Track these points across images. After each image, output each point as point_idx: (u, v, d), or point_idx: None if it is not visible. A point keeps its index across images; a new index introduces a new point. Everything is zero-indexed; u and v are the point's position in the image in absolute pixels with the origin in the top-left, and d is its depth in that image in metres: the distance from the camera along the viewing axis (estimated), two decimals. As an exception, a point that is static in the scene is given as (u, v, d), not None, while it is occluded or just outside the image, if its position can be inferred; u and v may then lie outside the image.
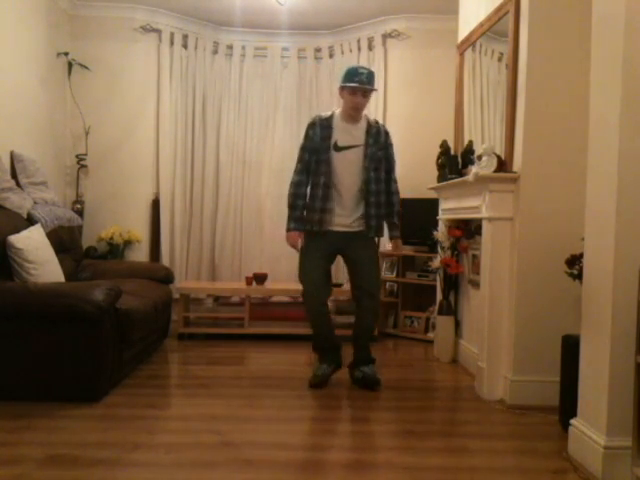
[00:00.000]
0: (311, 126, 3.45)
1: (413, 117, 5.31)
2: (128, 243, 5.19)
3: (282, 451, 2.48)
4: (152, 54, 5.45)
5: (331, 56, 5.80)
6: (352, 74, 3.35)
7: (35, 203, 3.99)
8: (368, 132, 3.42)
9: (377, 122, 3.54)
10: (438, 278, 4.33)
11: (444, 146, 4.16)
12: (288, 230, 3.45)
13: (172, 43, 5.53)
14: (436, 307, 4.36)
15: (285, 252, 5.09)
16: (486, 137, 3.88)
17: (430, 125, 5.06)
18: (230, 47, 5.76)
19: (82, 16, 5.25)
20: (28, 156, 4.22)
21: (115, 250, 5.11)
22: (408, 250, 4.85)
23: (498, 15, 3.51)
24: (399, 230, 3.60)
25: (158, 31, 5.44)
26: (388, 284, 5.11)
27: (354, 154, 3.39)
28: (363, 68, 3.44)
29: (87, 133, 5.22)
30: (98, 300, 3.00)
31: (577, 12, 3.05)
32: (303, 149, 3.47)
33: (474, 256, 3.89)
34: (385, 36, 5.46)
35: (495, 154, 3.32)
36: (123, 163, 5.35)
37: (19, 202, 3.78)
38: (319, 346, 3.54)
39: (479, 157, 3.45)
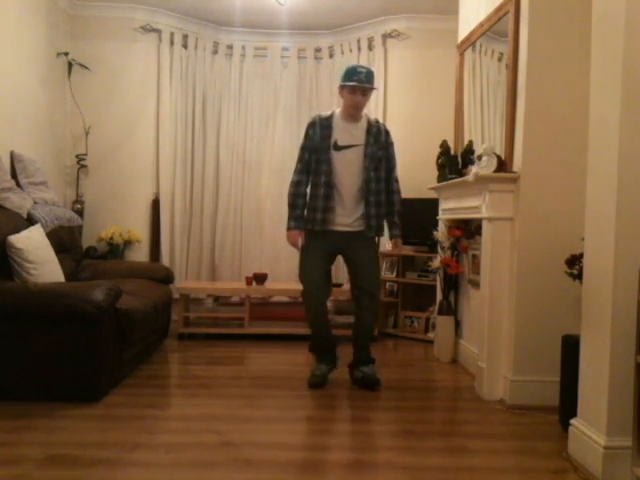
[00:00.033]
0: (311, 126, 3.45)
1: (413, 117, 5.31)
2: (128, 243, 5.19)
3: (282, 451, 2.48)
4: (152, 54, 5.45)
5: (331, 56, 5.80)
6: (351, 73, 3.35)
7: (35, 203, 3.99)
8: (368, 131, 3.42)
9: (377, 121, 3.54)
10: (438, 278, 4.33)
11: (444, 146, 4.16)
12: (289, 229, 3.45)
13: (172, 43, 5.53)
14: (436, 307, 4.36)
15: (285, 252, 5.11)
16: (486, 137, 3.88)
17: (430, 125, 5.07)
18: (230, 47, 5.76)
19: (82, 16, 5.25)
20: (28, 156, 4.22)
21: (115, 250, 5.11)
22: (408, 250, 4.85)
23: (498, 15, 3.52)
24: (399, 229, 3.60)
25: (158, 31, 5.44)
26: (388, 284, 5.10)
27: (354, 153, 3.39)
28: (362, 67, 3.44)
29: (87, 133, 5.22)
30: (98, 300, 3.00)
31: (577, 12, 3.05)
32: (303, 149, 3.47)
33: (474, 256, 3.89)
34: (385, 36, 5.46)
35: (495, 154, 3.32)
36: (123, 163, 5.35)
37: (19, 202, 3.78)
38: (317, 346, 3.55)
39: (479, 157, 3.45)
